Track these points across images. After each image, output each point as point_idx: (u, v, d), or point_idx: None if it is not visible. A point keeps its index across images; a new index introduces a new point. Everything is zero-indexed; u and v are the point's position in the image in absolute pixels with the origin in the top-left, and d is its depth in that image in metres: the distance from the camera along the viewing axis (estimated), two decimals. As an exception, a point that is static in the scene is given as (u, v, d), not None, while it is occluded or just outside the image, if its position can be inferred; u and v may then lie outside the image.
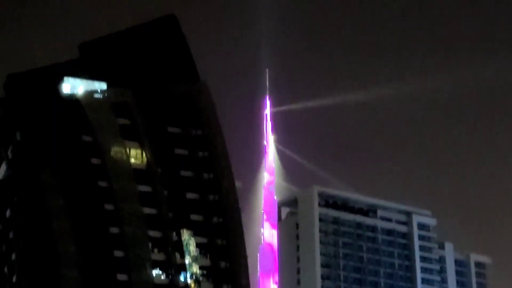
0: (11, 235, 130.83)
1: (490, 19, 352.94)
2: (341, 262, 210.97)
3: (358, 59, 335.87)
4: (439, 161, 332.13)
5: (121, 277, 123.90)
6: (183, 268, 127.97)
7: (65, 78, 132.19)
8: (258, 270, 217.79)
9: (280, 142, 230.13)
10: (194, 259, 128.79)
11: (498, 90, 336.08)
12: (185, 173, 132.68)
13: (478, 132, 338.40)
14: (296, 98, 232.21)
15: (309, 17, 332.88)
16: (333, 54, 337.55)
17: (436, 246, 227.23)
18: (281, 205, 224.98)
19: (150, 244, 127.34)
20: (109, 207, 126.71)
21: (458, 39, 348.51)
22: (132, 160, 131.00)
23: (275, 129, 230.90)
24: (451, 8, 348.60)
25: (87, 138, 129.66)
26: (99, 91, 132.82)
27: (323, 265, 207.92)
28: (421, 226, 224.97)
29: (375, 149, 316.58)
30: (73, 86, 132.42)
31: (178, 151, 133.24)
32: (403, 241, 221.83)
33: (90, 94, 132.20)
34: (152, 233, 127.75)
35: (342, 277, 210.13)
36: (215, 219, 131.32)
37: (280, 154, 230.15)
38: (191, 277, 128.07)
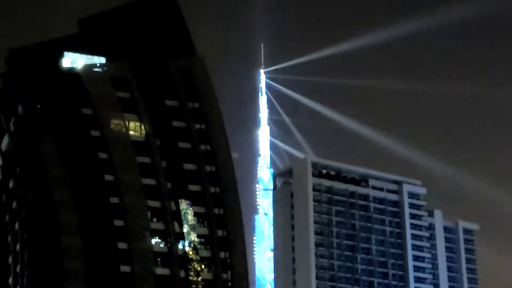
0: (14, 205, 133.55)
1: None
2: (334, 230, 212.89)
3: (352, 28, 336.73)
4: (429, 132, 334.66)
5: (122, 245, 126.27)
6: (181, 236, 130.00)
7: (65, 53, 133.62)
8: (254, 238, 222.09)
9: (275, 114, 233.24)
10: (192, 228, 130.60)
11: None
12: (183, 145, 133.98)
13: (466, 102, 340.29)
14: (290, 72, 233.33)
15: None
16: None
17: (425, 214, 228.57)
18: (276, 175, 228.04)
19: (149, 214, 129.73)
20: (109, 178, 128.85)
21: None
22: (131, 132, 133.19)
23: (269, 102, 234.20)
24: None
25: (87, 111, 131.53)
26: (98, 65, 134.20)
27: (316, 233, 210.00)
28: (412, 195, 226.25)
29: (367, 120, 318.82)
30: (73, 60, 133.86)
31: (176, 123, 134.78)
32: (394, 209, 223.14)
33: (89, 68, 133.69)
34: (151, 203, 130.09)
35: (335, 244, 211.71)
36: (212, 189, 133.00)
37: (274, 125, 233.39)
38: (189, 245, 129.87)
